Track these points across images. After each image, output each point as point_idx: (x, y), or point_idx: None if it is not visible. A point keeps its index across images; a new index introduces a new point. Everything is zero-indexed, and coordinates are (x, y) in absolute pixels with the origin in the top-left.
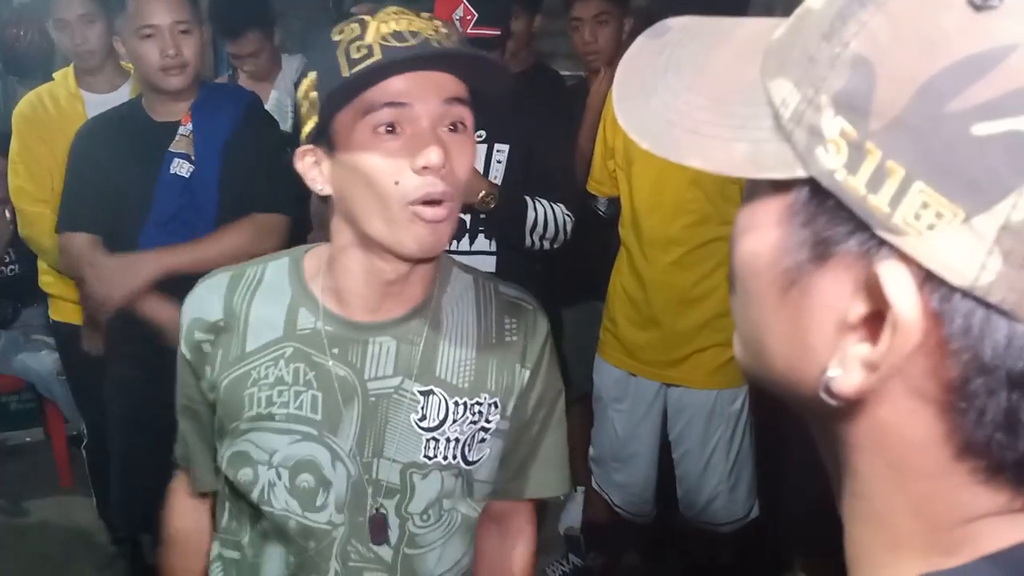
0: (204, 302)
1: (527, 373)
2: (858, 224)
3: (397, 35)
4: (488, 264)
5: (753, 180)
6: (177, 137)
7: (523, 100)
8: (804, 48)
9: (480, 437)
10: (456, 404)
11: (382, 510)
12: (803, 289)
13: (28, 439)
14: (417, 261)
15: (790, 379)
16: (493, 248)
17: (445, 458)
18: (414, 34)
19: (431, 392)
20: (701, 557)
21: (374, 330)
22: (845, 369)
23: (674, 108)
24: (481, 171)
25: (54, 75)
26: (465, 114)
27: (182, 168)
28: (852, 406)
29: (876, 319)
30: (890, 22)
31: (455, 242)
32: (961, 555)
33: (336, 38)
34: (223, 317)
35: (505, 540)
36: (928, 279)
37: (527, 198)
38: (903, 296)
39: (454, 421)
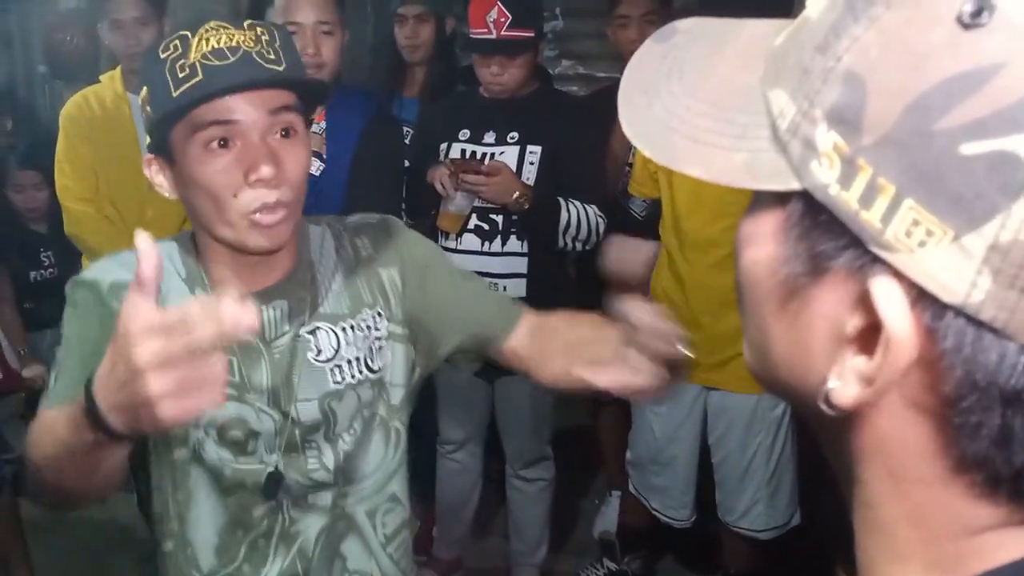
0: (120, 270)
1: (394, 271)
2: (852, 239)
3: (217, 52)
4: (520, 265)
5: (755, 191)
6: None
7: (552, 103)
8: (799, 59)
9: (378, 346)
10: (343, 329)
11: (311, 444)
12: (802, 300)
13: None
14: (268, 254)
15: (793, 385)
16: (525, 249)
17: (353, 376)
18: (234, 50)
19: (317, 328)
20: (740, 564)
21: (262, 298)
22: (843, 381)
23: (675, 114)
24: (513, 172)
25: (101, 77)
26: (293, 119)
27: (312, 166)
28: (853, 416)
29: (872, 332)
30: (881, 38)
31: (487, 243)
32: (964, 569)
33: (162, 55)
34: None
35: (549, 325)
36: (921, 296)
37: (560, 199)
38: (895, 312)
39: (347, 344)
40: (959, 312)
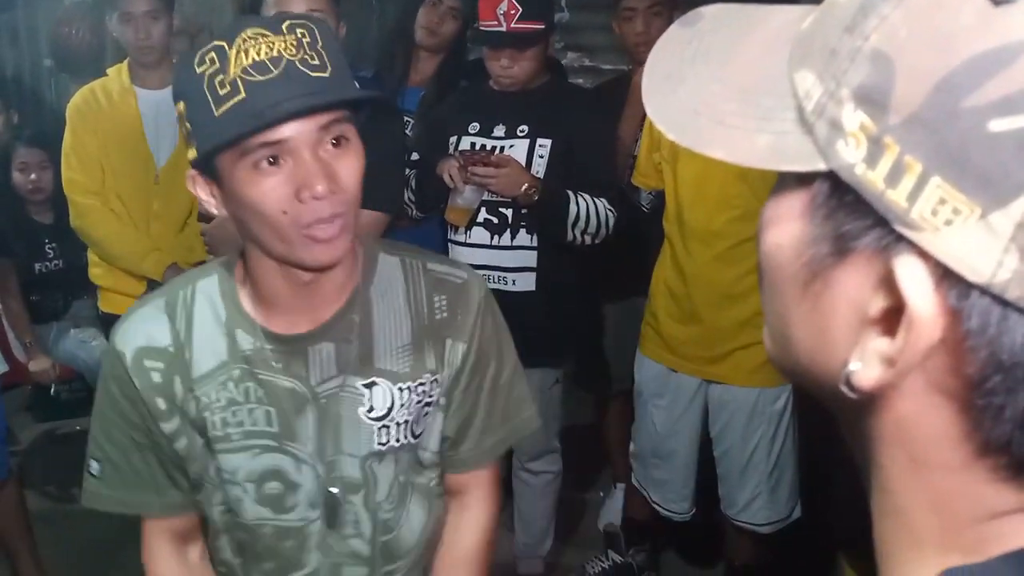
0: (148, 330)
1: (461, 347)
2: (877, 219)
3: (258, 66)
4: (529, 259)
5: (780, 173)
6: None
7: (562, 95)
8: (826, 40)
9: (424, 412)
10: (400, 390)
11: (351, 507)
12: (825, 282)
13: (78, 427)
14: (324, 270)
15: (814, 371)
16: (534, 243)
17: (398, 440)
18: (276, 61)
19: (374, 383)
20: (743, 557)
21: (310, 339)
22: (865, 363)
23: (701, 98)
24: (524, 165)
25: (107, 71)
26: (345, 128)
27: None
28: (874, 400)
29: (896, 313)
30: (909, 16)
31: (496, 237)
32: (983, 553)
33: (198, 69)
34: (171, 343)
35: (459, 514)
36: (946, 275)
37: (569, 192)
38: (919, 292)
39: (401, 406)
40: (985, 292)
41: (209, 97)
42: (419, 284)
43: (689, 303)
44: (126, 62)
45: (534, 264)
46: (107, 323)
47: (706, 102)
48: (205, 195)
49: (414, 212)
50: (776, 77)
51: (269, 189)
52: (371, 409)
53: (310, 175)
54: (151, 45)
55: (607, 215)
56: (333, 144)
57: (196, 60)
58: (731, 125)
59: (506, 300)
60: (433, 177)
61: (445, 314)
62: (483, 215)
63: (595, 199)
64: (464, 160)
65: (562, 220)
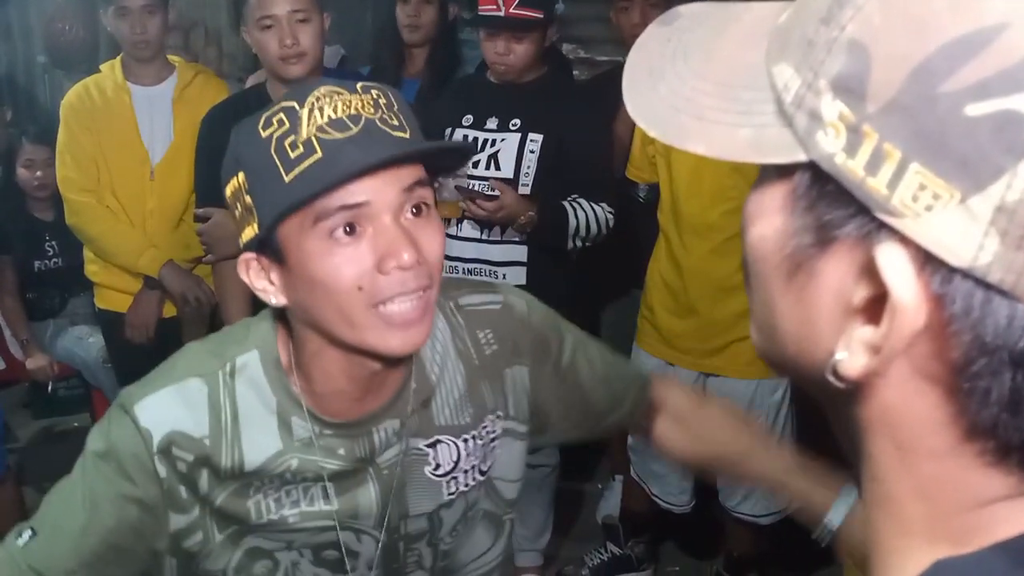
0: (185, 415)
1: (522, 371)
2: (859, 207)
3: (336, 123)
4: (519, 253)
5: (761, 166)
6: None
7: (558, 90)
8: (803, 33)
9: (491, 447)
10: (465, 441)
11: (413, 553)
12: (808, 273)
13: (76, 424)
14: (399, 361)
15: (801, 362)
16: (524, 237)
17: (467, 485)
18: (355, 119)
19: (438, 442)
20: (742, 549)
21: (372, 421)
22: (850, 352)
23: (681, 94)
24: (514, 161)
25: (101, 67)
26: (427, 194)
27: None
28: (861, 388)
29: (879, 302)
30: (884, 5)
31: (486, 231)
32: (972, 542)
33: (264, 133)
34: (209, 435)
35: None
36: (928, 261)
37: (567, 206)
38: (900, 279)
39: (467, 455)
40: (967, 275)
41: (278, 162)
42: (460, 326)
43: (685, 296)
44: (120, 58)
45: (524, 258)
46: (103, 320)
47: (686, 98)
48: (261, 283)
49: None
50: (755, 71)
51: (346, 261)
52: (437, 467)
53: (395, 242)
54: (147, 40)
55: (606, 218)
56: (414, 213)
57: (260, 123)
58: (711, 120)
59: None
60: None
61: (495, 347)
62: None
63: (593, 205)
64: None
65: (563, 236)
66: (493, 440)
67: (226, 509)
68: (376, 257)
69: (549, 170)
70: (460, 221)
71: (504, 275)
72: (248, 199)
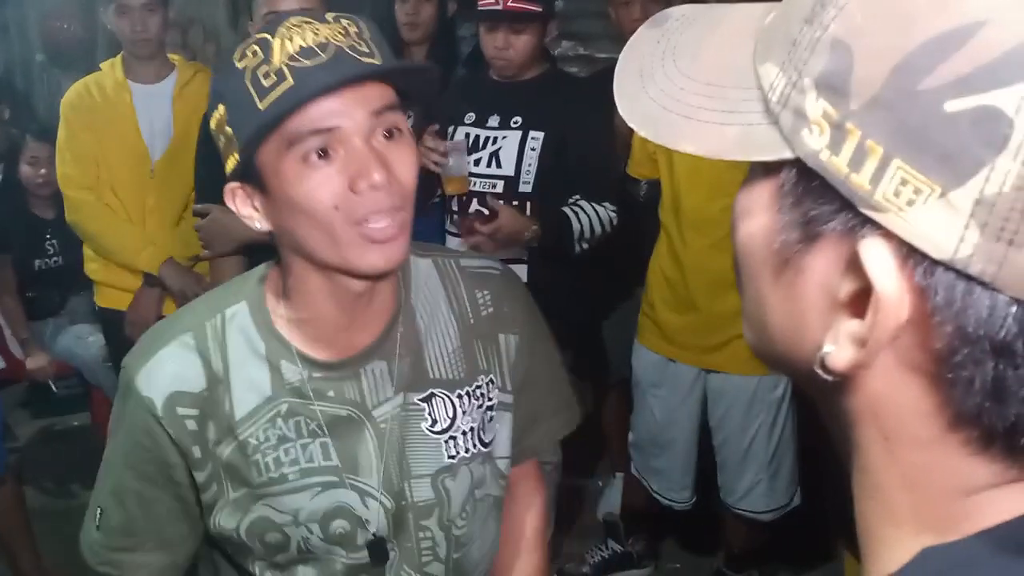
0: (179, 372)
1: (514, 339)
2: (843, 203)
3: (306, 51)
4: (521, 251)
5: (750, 164)
6: None
7: (558, 88)
8: (788, 33)
9: (489, 416)
10: (459, 396)
11: (425, 533)
12: (796, 268)
13: (75, 423)
14: (377, 278)
15: (791, 356)
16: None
17: (467, 450)
18: (324, 46)
19: (432, 395)
20: (743, 545)
21: (360, 361)
22: (837, 345)
23: (670, 94)
24: (515, 159)
25: (101, 65)
26: (398, 119)
27: None
28: (849, 380)
29: (865, 295)
30: (864, 4)
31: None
32: (959, 530)
33: (240, 64)
34: (207, 387)
35: (514, 508)
36: (911, 254)
37: (569, 212)
38: (884, 272)
39: (464, 413)
40: (949, 267)
41: (252, 91)
42: (458, 283)
43: (686, 292)
44: (119, 56)
45: (525, 256)
46: (104, 318)
47: (675, 98)
48: (247, 209)
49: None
50: (742, 71)
51: (320, 183)
52: (434, 423)
53: (365, 163)
54: (147, 38)
55: (609, 218)
56: (386, 136)
57: (236, 56)
58: (700, 119)
59: None
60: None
61: (491, 309)
62: (475, 206)
63: (596, 205)
64: (463, 226)
65: (569, 245)
66: (490, 408)
67: (232, 465)
68: (348, 178)
69: (550, 168)
70: (466, 197)
71: None
72: (229, 129)
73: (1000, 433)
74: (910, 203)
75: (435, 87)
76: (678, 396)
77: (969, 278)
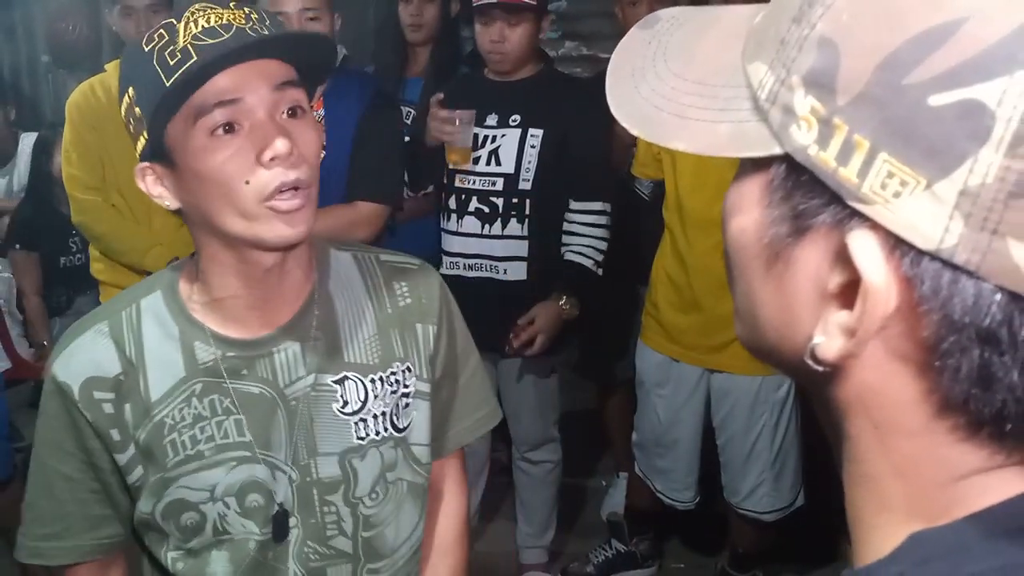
0: (94, 359)
1: (432, 329)
2: (832, 196)
3: (209, 31)
4: (520, 248)
5: (740, 161)
6: None
7: (556, 86)
8: (777, 32)
9: (404, 403)
10: (372, 381)
11: (330, 508)
12: (786, 262)
13: None
14: (285, 250)
15: (781, 349)
16: (525, 233)
17: (378, 433)
18: (226, 27)
19: (345, 378)
20: (746, 545)
21: (273, 341)
22: (827, 336)
23: (662, 93)
24: (515, 156)
25: (106, 66)
26: (300, 96)
27: None
28: (838, 371)
29: (853, 287)
30: (851, 2)
31: (487, 226)
32: (949, 516)
33: (147, 48)
34: (122, 371)
35: (434, 506)
36: (898, 245)
37: (577, 258)
38: (872, 263)
39: (375, 397)
40: (935, 257)
41: (159, 70)
42: (376, 275)
43: (690, 292)
44: None
45: (525, 253)
46: None
47: (667, 97)
48: (157, 189)
49: (407, 193)
50: (732, 70)
51: (229, 157)
52: (345, 404)
53: (269, 134)
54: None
55: (606, 222)
56: (289, 114)
57: (144, 40)
58: (692, 117)
59: (497, 289)
60: (426, 158)
61: (409, 300)
62: (474, 204)
63: (590, 225)
64: (512, 345)
65: (594, 279)
66: (406, 395)
67: (149, 447)
68: (255, 149)
69: (550, 165)
70: (461, 217)
71: (505, 270)
72: (138, 110)
73: (988, 419)
74: (896, 195)
75: (333, 60)
76: (682, 396)
77: (955, 267)
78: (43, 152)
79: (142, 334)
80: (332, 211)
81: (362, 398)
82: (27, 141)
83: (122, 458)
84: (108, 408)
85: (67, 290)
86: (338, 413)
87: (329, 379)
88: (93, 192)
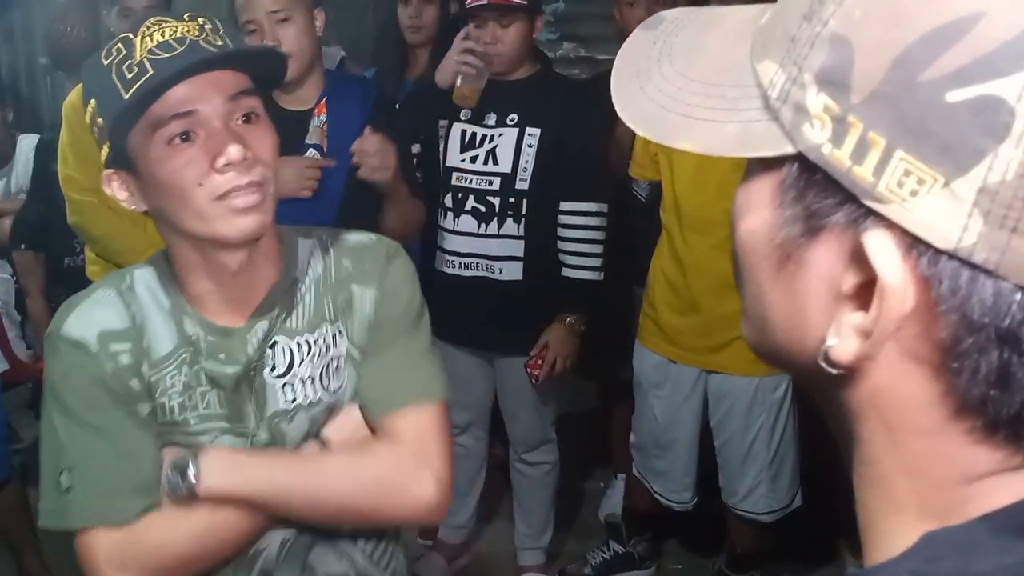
0: (105, 315)
1: (370, 292)
2: (846, 195)
3: (164, 46)
4: (516, 248)
5: (748, 161)
6: (311, 128)
7: (554, 86)
8: (786, 30)
9: (335, 366)
10: (299, 345)
11: None
12: (798, 262)
13: None
14: (246, 244)
15: (791, 351)
16: (521, 232)
17: (306, 397)
18: (180, 40)
19: (275, 343)
20: (744, 546)
21: (245, 329)
22: (841, 337)
23: (668, 93)
24: (512, 156)
25: None
26: (254, 103)
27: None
28: (851, 373)
29: (868, 287)
30: None
31: (483, 225)
32: (962, 516)
33: (106, 61)
34: (131, 325)
35: (362, 446)
36: (915, 244)
37: (577, 273)
38: (888, 263)
39: (301, 362)
40: (952, 256)
41: (117, 83)
42: (328, 253)
43: (688, 293)
44: None
45: (521, 253)
46: None
47: (673, 97)
48: (123, 193)
49: None
50: (740, 69)
51: (184, 163)
52: (273, 368)
53: (223, 141)
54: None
55: (602, 224)
56: (244, 120)
57: (103, 55)
58: (699, 117)
59: (493, 289)
60: (427, 165)
61: (351, 267)
62: (471, 203)
63: (587, 224)
64: (532, 372)
65: (598, 288)
66: (335, 358)
67: (152, 404)
68: (210, 157)
69: (548, 165)
70: (457, 216)
71: (501, 269)
72: (100, 120)
73: (1005, 421)
74: (913, 194)
75: (283, 69)
76: (679, 397)
77: (973, 266)
78: (47, 153)
79: (138, 301)
80: (408, 202)
81: (287, 361)
82: (25, 142)
83: (144, 407)
84: (125, 359)
85: (68, 291)
86: (267, 377)
87: (266, 346)
88: (89, 193)
